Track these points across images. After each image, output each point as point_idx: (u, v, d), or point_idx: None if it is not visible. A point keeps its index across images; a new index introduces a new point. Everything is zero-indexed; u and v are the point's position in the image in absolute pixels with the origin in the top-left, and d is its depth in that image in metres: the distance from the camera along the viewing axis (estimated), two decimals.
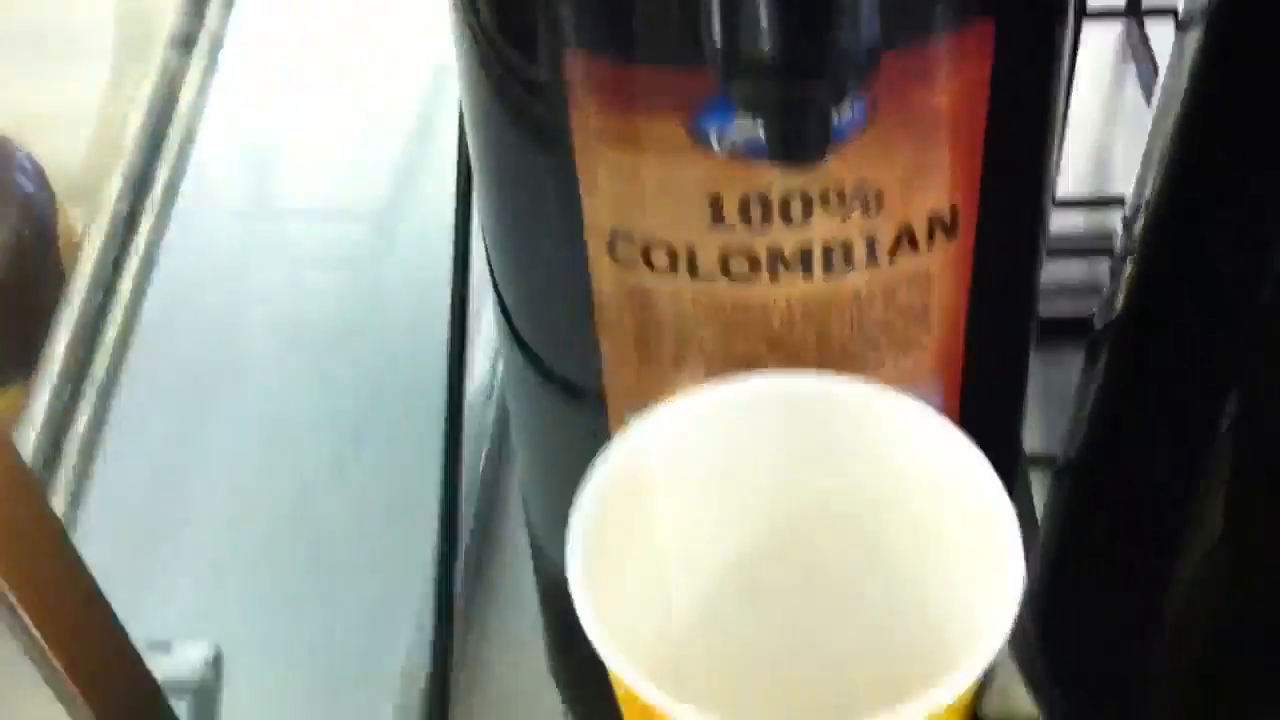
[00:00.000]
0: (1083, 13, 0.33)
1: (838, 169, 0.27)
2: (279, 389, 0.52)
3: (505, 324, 0.35)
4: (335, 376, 0.54)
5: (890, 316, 0.29)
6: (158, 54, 0.44)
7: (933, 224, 0.28)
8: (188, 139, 0.47)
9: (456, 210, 0.40)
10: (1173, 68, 0.34)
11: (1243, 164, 0.31)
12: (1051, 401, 0.50)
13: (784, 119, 0.23)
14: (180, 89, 0.45)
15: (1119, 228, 0.39)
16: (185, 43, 0.44)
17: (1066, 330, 0.50)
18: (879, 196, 0.28)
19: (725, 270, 0.29)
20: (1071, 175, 0.54)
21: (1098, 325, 0.41)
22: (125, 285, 0.43)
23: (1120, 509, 0.41)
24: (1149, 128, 0.36)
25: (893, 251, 0.28)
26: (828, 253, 0.28)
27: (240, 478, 0.47)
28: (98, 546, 0.36)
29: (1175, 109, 0.33)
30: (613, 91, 0.27)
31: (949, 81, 0.27)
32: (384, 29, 0.60)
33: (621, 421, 0.33)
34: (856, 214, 0.28)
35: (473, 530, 0.51)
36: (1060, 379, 0.50)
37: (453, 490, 0.40)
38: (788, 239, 0.28)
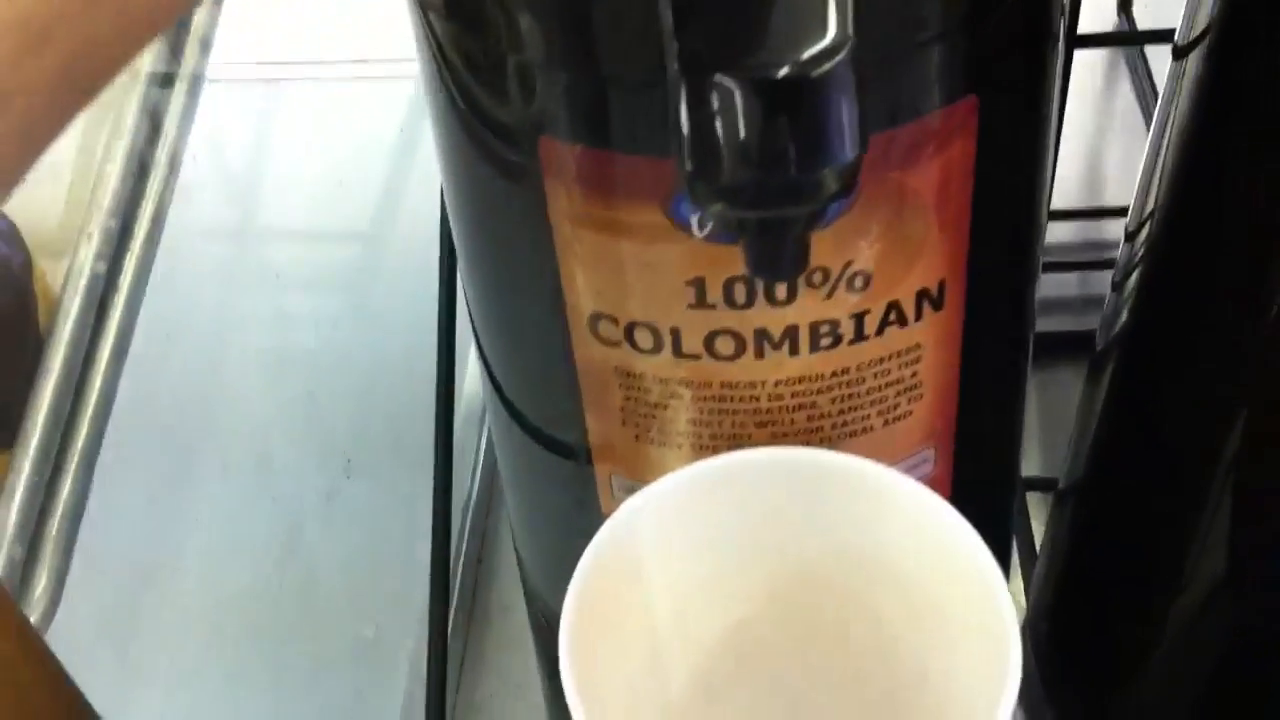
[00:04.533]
0: (1067, 79, 0.32)
1: (823, 250, 0.26)
2: (268, 421, 0.51)
3: (491, 386, 0.34)
4: (326, 404, 0.53)
5: (880, 389, 0.29)
6: (136, 95, 0.43)
7: (920, 298, 0.28)
8: (171, 174, 0.46)
9: (441, 258, 0.40)
10: (1169, 92, 0.33)
11: (1250, 182, 0.30)
12: (1045, 421, 0.49)
13: (760, 241, 0.22)
14: (162, 126, 0.44)
15: (1120, 239, 0.39)
16: (164, 82, 0.43)
17: (1060, 346, 0.49)
18: (865, 275, 0.27)
19: (710, 350, 0.28)
20: (1063, 186, 0.53)
21: (1099, 344, 0.40)
22: (110, 326, 0.42)
23: (1124, 533, 0.41)
24: (1144, 137, 0.35)
25: (880, 328, 0.28)
26: (814, 331, 0.28)
27: (231, 517, 0.47)
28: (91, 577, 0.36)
29: (1176, 133, 0.32)
30: (590, 178, 0.26)
31: (933, 160, 0.26)
32: (362, 46, 0.59)
33: (608, 484, 0.33)
34: (842, 293, 0.27)
35: (465, 557, 0.51)
36: (1055, 397, 0.49)
37: (444, 542, 0.39)
38: (773, 319, 0.27)
